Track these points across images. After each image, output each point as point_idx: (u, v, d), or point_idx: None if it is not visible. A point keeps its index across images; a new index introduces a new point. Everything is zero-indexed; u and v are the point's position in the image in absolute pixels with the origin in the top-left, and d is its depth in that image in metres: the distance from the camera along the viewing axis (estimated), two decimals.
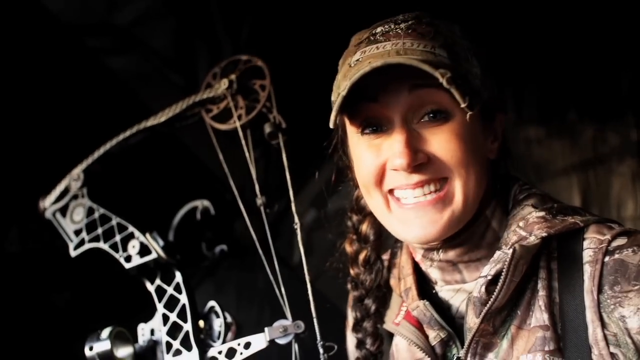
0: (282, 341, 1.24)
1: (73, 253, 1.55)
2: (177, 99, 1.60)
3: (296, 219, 1.29)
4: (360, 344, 1.42)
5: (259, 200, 1.38)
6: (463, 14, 1.30)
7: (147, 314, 1.51)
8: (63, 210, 1.61)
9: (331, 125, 1.17)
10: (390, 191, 1.21)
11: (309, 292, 1.21)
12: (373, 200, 1.25)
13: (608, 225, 1.17)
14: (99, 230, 1.52)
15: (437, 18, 1.23)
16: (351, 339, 1.54)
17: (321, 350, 1.16)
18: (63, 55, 2.01)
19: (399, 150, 1.15)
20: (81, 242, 1.54)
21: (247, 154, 1.41)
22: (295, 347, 1.23)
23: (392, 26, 1.20)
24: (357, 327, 1.43)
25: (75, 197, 1.60)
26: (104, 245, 1.50)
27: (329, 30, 2.18)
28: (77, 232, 1.56)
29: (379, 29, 1.21)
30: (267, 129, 1.43)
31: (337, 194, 2.42)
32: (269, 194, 1.43)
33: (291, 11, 2.19)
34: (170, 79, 2.19)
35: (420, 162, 1.16)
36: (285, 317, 1.29)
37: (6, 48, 1.93)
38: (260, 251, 1.34)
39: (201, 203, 1.62)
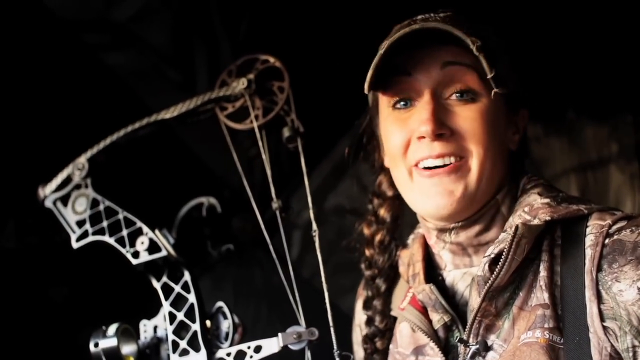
0: (295, 347, 1.25)
1: (75, 245, 1.53)
2: (175, 95, 1.59)
3: (314, 227, 1.30)
4: (369, 321, 1.52)
5: (275, 204, 1.38)
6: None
7: (147, 311, 1.50)
8: (64, 200, 1.59)
9: (366, 89, 1.28)
10: (416, 165, 1.31)
11: (327, 301, 1.22)
12: (399, 172, 1.36)
13: (611, 212, 1.26)
14: (104, 223, 1.51)
15: (473, 17, 1.35)
16: (356, 335, 1.64)
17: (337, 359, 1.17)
18: (60, 50, 1.99)
19: (426, 118, 1.26)
20: (84, 234, 1.52)
21: (263, 156, 1.40)
22: (308, 354, 1.23)
23: (432, 15, 1.33)
24: (367, 305, 1.54)
25: (77, 186, 1.58)
26: (109, 239, 1.48)
27: (328, 27, 2.19)
28: (80, 224, 1.54)
29: (419, 17, 1.34)
30: (286, 133, 1.44)
31: (335, 192, 2.45)
32: (264, 191, 1.44)
33: (290, 8, 2.18)
34: (168, 75, 2.18)
35: (443, 132, 1.26)
36: (295, 322, 1.29)
37: (2, 43, 1.91)
38: (274, 255, 1.35)
39: (207, 200, 1.61)
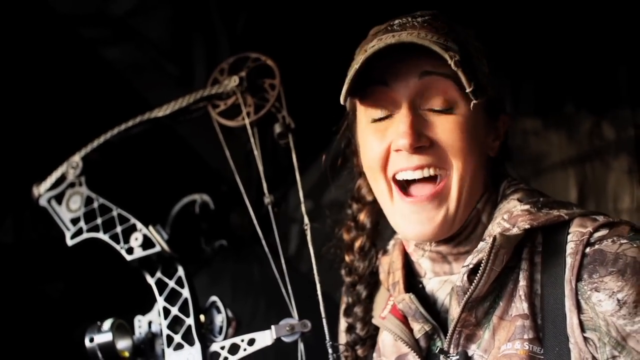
0: (288, 339, 1.27)
1: (70, 242, 1.56)
2: (173, 89, 1.61)
3: (306, 220, 1.32)
4: (350, 328, 1.51)
5: (267, 199, 1.40)
6: (460, 7, 1.34)
7: (141, 306, 1.52)
8: (58, 198, 1.62)
9: (342, 101, 1.26)
10: (394, 178, 1.29)
11: (319, 293, 1.24)
12: (378, 187, 1.33)
13: (592, 217, 1.24)
14: (99, 221, 1.53)
15: (452, 19, 1.33)
16: (341, 340, 1.63)
17: (330, 350, 1.19)
18: (58, 44, 2.02)
19: (403, 130, 1.24)
20: (79, 232, 1.55)
21: (255, 152, 1.43)
22: (301, 346, 1.25)
23: (410, 19, 1.30)
24: (348, 312, 1.53)
25: (72, 185, 1.62)
26: (103, 236, 1.51)
27: (326, 21, 2.21)
28: (74, 221, 1.57)
29: (396, 21, 1.31)
30: (277, 129, 1.47)
31: (332, 187, 2.45)
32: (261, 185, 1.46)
33: (287, 3, 2.20)
34: (166, 69, 2.20)
35: (422, 144, 1.25)
36: (290, 315, 1.32)
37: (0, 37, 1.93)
38: (266, 249, 1.37)
39: (200, 197, 1.63)
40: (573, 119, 2.38)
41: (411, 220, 1.27)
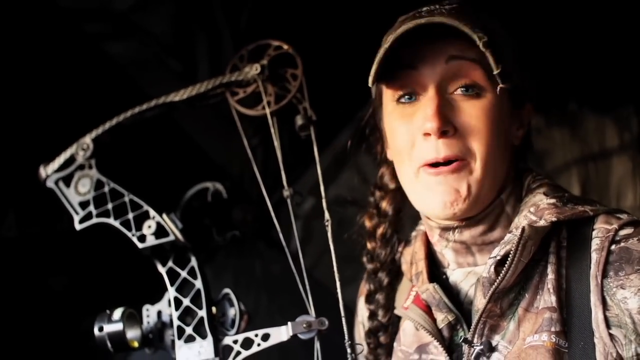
0: (304, 337, 1.25)
1: (78, 226, 1.51)
2: (175, 84, 1.58)
3: (327, 216, 1.29)
4: (372, 315, 1.52)
5: (286, 192, 1.37)
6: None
7: (148, 296, 1.48)
8: (67, 180, 1.56)
9: (370, 83, 1.26)
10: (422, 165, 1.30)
11: (338, 290, 1.21)
12: (404, 168, 1.34)
13: (616, 215, 1.25)
14: (109, 206, 1.49)
15: (479, 8, 1.32)
16: (358, 332, 1.64)
17: (349, 350, 1.17)
18: (61, 39, 1.99)
19: (430, 114, 1.24)
20: (88, 216, 1.50)
21: (275, 143, 1.40)
22: (317, 344, 1.23)
23: (437, 7, 1.30)
24: (369, 299, 1.54)
25: (81, 167, 1.56)
26: (114, 222, 1.47)
27: (330, 16, 2.19)
28: (83, 205, 1.52)
29: (424, 9, 1.32)
30: (299, 121, 1.43)
31: (335, 183, 2.44)
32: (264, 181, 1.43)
33: None
34: (169, 64, 2.18)
35: (448, 129, 1.25)
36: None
37: (5, 31, 1.92)
38: (283, 242, 1.34)
39: (213, 185, 1.59)
40: (576, 116, 2.39)
41: (437, 191, 1.27)
